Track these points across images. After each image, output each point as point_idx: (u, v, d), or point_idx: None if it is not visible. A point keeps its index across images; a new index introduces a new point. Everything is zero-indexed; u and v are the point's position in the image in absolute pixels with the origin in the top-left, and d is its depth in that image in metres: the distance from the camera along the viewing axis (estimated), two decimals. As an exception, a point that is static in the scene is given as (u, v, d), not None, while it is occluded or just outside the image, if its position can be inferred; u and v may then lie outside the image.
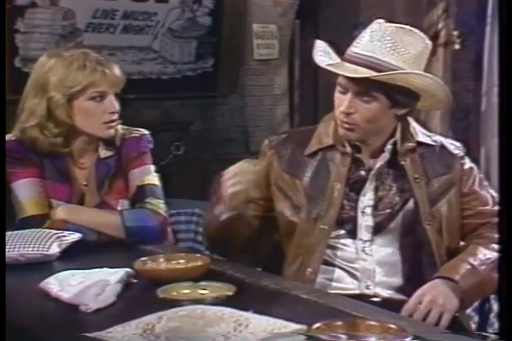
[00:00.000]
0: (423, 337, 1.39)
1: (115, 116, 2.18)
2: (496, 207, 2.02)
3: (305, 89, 5.30)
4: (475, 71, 5.49)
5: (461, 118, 5.54)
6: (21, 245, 1.94)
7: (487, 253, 1.94)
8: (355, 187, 2.01)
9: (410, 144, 2.01)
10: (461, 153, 2.08)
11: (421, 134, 2.06)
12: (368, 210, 2.00)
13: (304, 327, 1.36)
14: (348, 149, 2.01)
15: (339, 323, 1.37)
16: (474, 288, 1.88)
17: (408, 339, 1.32)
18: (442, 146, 2.07)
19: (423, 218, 1.98)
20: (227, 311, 1.42)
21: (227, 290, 1.62)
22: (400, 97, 1.92)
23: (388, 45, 1.90)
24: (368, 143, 2.01)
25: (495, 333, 1.60)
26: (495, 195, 2.05)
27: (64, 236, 2.01)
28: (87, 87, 2.11)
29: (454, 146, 2.09)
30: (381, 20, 1.95)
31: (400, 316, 1.74)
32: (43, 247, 1.95)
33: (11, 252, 1.92)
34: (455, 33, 5.38)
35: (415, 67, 1.91)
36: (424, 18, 5.25)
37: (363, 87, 1.90)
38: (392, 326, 1.37)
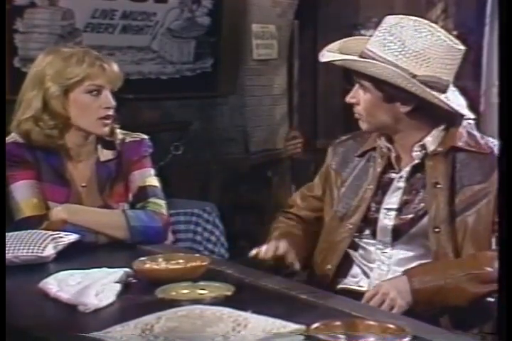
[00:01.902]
0: (422, 337, 1.39)
1: (110, 112, 2.18)
2: None
3: (304, 89, 5.30)
4: (474, 71, 5.49)
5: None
6: (16, 247, 1.93)
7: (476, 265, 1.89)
8: (384, 189, 2.02)
9: (440, 149, 1.96)
10: None
11: (467, 139, 1.98)
12: (390, 213, 2.00)
13: (302, 327, 1.36)
14: (385, 150, 2.02)
15: (338, 323, 1.37)
16: (432, 291, 1.85)
17: (407, 339, 1.32)
18: (491, 153, 1.97)
19: (431, 224, 1.94)
20: (226, 311, 1.42)
21: (226, 290, 1.62)
22: (390, 90, 1.91)
23: (382, 37, 1.92)
24: (396, 142, 2.01)
25: (495, 333, 1.59)
26: None
27: (60, 237, 2.00)
28: (84, 79, 2.12)
29: None
30: (399, 15, 1.97)
31: (399, 316, 1.74)
32: (38, 249, 1.93)
33: (6, 254, 1.91)
34: (454, 33, 5.37)
35: (416, 64, 1.88)
36: (423, 18, 5.24)
37: (358, 78, 1.96)
38: (391, 326, 1.37)
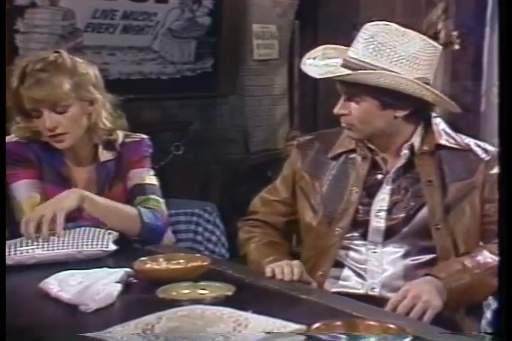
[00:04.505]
0: (422, 337, 1.39)
1: (55, 132, 2.12)
2: None
3: (305, 89, 5.30)
4: (474, 71, 5.49)
5: (460, 118, 5.53)
6: (79, 242, 1.97)
7: (488, 258, 1.91)
8: (370, 190, 2.01)
9: (426, 148, 1.99)
10: (488, 157, 2.01)
11: (446, 137, 2.02)
12: (382, 214, 2.00)
13: (303, 327, 1.36)
14: (367, 152, 2.02)
15: (338, 323, 1.37)
16: (462, 289, 1.86)
17: (408, 339, 1.32)
18: (470, 150, 2.02)
19: (432, 222, 1.96)
20: (227, 311, 1.43)
21: (227, 290, 1.62)
22: (386, 97, 1.91)
23: (371, 46, 1.90)
24: (381, 145, 2.01)
25: (495, 333, 1.59)
26: None
27: (111, 233, 2.04)
28: (25, 103, 2.10)
29: (482, 150, 2.03)
30: (378, 22, 1.95)
31: (400, 316, 1.74)
32: (102, 244, 1.98)
33: (69, 249, 1.95)
34: (454, 33, 5.38)
35: (410, 68, 1.89)
36: (424, 18, 5.24)
37: (349, 89, 1.93)
38: (392, 326, 1.37)
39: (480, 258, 1.92)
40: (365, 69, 1.89)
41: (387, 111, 1.94)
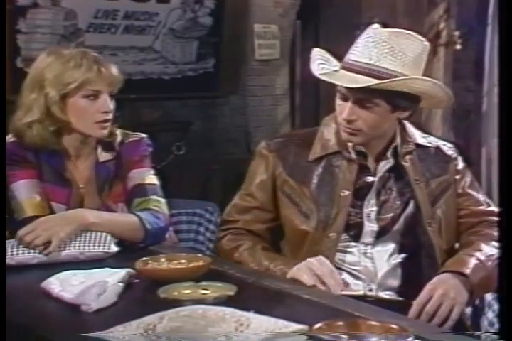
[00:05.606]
0: (424, 337, 1.39)
1: (108, 116, 2.16)
2: (489, 208, 2.07)
3: (306, 89, 5.31)
4: (476, 71, 5.49)
5: (462, 118, 5.55)
6: (81, 243, 1.98)
7: (489, 250, 1.95)
8: (360, 193, 2.01)
9: (410, 146, 2.03)
10: (455, 154, 2.10)
11: (418, 136, 2.08)
12: (372, 215, 2.01)
13: (305, 327, 1.36)
14: (354, 156, 2.01)
15: (340, 323, 1.37)
16: (482, 283, 1.88)
17: (409, 339, 1.32)
18: (437, 148, 2.09)
19: (424, 220, 1.99)
20: (229, 311, 1.42)
21: (229, 290, 1.62)
22: (400, 101, 1.92)
23: (385, 51, 1.89)
24: (371, 147, 2.01)
25: (495, 333, 1.60)
26: (485, 196, 2.10)
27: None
28: (82, 84, 2.10)
29: (447, 147, 2.11)
30: (376, 25, 1.95)
31: (401, 316, 1.74)
32: (104, 245, 1.99)
33: (71, 250, 1.96)
34: (456, 33, 5.39)
35: (415, 69, 1.90)
36: (426, 18, 5.25)
37: (363, 95, 1.90)
38: (394, 326, 1.37)
39: (485, 251, 1.94)
40: (382, 74, 1.87)
41: (395, 113, 1.95)
